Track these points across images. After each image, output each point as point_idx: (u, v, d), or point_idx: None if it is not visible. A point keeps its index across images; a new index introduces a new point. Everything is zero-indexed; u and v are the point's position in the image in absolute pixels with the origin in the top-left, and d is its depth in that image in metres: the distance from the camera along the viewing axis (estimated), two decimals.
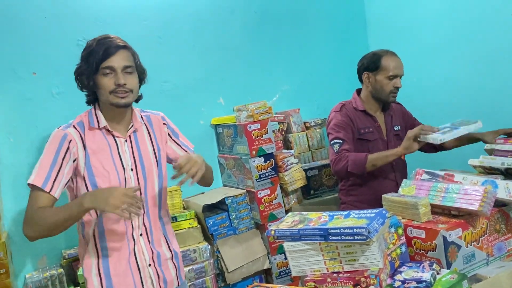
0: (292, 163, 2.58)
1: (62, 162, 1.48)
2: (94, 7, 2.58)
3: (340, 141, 2.14)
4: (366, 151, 2.15)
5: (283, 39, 3.23)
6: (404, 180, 1.69)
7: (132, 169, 1.59)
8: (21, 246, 2.35)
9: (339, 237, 1.20)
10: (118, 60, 1.49)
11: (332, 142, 2.17)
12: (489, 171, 1.67)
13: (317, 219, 1.35)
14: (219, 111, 2.93)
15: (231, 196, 2.52)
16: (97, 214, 1.54)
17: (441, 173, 1.68)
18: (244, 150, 2.50)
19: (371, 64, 2.20)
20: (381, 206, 1.57)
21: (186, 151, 1.77)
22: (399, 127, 2.30)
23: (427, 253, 1.38)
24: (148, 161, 1.63)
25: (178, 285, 1.69)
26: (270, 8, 3.18)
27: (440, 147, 2.27)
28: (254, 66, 3.11)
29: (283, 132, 2.90)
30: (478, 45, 2.68)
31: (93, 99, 1.59)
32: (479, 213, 1.39)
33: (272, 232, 1.37)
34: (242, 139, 2.51)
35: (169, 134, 1.75)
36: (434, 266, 1.27)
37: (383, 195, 1.63)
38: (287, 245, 1.33)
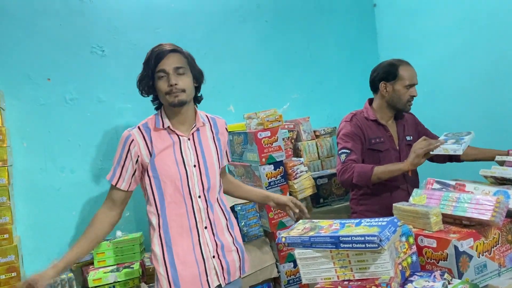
0: (301, 171, 2.58)
1: (125, 160, 1.69)
2: (109, 16, 2.62)
3: (347, 151, 2.14)
4: (377, 161, 2.15)
5: (293, 48, 3.26)
6: (414, 190, 1.69)
7: (194, 165, 1.73)
8: (32, 250, 2.38)
9: (351, 245, 1.20)
10: (169, 63, 1.64)
11: (339, 152, 2.18)
12: (501, 181, 1.67)
13: (328, 226, 1.35)
14: (229, 119, 2.92)
15: (240, 204, 2.52)
16: (158, 205, 1.69)
17: (452, 182, 1.68)
18: (254, 157, 2.51)
19: (388, 74, 2.21)
20: (392, 215, 1.57)
21: (228, 158, 1.98)
22: (412, 137, 2.29)
23: (438, 263, 1.38)
24: (210, 159, 1.77)
25: (240, 276, 1.82)
26: (281, 17, 3.21)
27: (455, 159, 2.26)
28: (264, 75, 3.14)
29: (292, 140, 2.91)
30: (489, 55, 2.68)
31: (159, 103, 1.76)
32: (491, 223, 1.39)
33: (283, 239, 1.37)
34: (252, 147, 2.52)
35: (225, 141, 1.91)
36: (446, 275, 1.27)
37: (394, 204, 1.63)
38: (297, 252, 1.33)
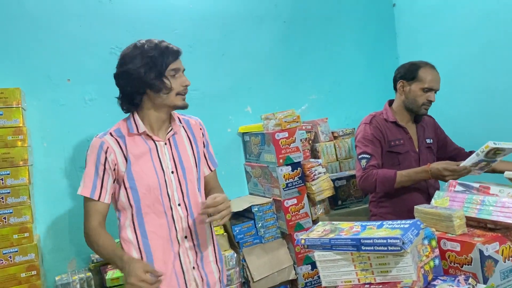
0: (320, 173, 2.56)
1: (104, 170, 1.55)
2: (127, 17, 2.64)
3: (367, 156, 2.10)
4: (397, 164, 2.12)
5: (312, 48, 3.23)
6: (437, 192, 1.65)
7: (172, 172, 1.62)
8: (52, 249, 2.40)
9: (372, 248, 1.18)
10: (181, 63, 1.59)
11: (359, 157, 2.14)
12: None
13: (348, 229, 1.33)
14: (246, 120, 2.95)
15: (257, 205, 2.51)
16: (133, 220, 1.59)
17: (476, 185, 1.63)
18: (272, 158, 2.49)
19: (408, 73, 2.18)
20: (413, 218, 1.53)
21: (210, 167, 1.79)
22: (432, 140, 2.26)
23: (462, 267, 1.34)
24: (188, 163, 1.66)
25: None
26: (299, 18, 3.19)
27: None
28: (282, 75, 3.12)
29: (310, 141, 2.88)
30: None
31: (131, 106, 1.62)
32: None
33: (303, 241, 1.35)
34: (269, 148, 2.50)
35: (203, 142, 1.78)
36: (470, 280, 1.23)
37: (415, 207, 1.59)
38: (317, 254, 1.31)
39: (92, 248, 1.60)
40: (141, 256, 1.58)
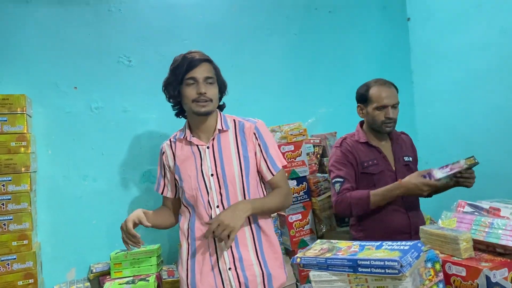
0: (326, 188, 2.49)
1: (164, 171, 1.86)
2: (137, 26, 2.64)
3: (341, 179, 2.07)
4: (372, 185, 2.08)
5: (322, 61, 3.19)
6: (444, 212, 1.58)
7: (212, 174, 1.73)
8: (51, 257, 2.38)
9: (369, 269, 1.12)
10: (200, 72, 1.68)
11: (333, 181, 2.12)
12: None
13: (346, 248, 1.26)
14: None
15: None
16: (189, 213, 1.78)
17: (486, 206, 1.56)
18: None
19: (361, 96, 2.18)
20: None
21: (271, 171, 1.79)
22: (410, 158, 2.20)
23: None
24: (229, 166, 1.72)
25: None
26: (310, 30, 3.15)
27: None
28: (291, 88, 3.08)
29: (318, 156, 2.82)
30: None
31: (179, 111, 1.83)
32: None
33: (298, 260, 1.29)
34: None
35: (259, 145, 1.79)
36: None
37: (421, 227, 1.52)
38: (313, 274, 1.25)
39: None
40: (188, 247, 1.75)
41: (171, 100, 1.80)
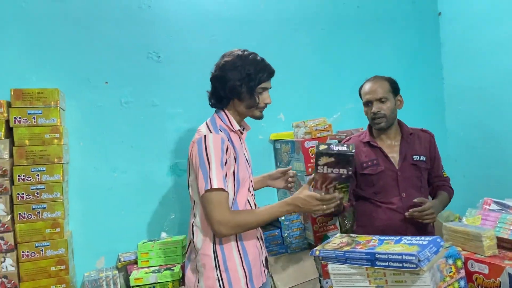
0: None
1: (226, 163, 1.63)
2: (166, 22, 2.69)
3: None
4: (371, 185, 2.08)
5: (350, 56, 3.17)
6: (468, 209, 1.56)
7: (249, 165, 1.85)
8: (83, 245, 2.47)
9: (387, 263, 1.12)
10: (270, 83, 1.79)
11: None
12: None
13: (365, 242, 1.27)
14: (279, 127, 2.92)
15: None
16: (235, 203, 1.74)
17: None
18: (301, 167, 2.45)
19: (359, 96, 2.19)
20: None
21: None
22: (422, 157, 2.10)
23: None
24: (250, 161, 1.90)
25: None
26: (338, 25, 3.14)
27: None
28: (317, 83, 3.07)
29: None
30: None
31: (218, 104, 1.77)
32: None
33: (317, 252, 1.31)
34: (298, 156, 2.46)
35: None
36: None
37: (444, 223, 1.51)
38: (331, 267, 1.26)
39: (237, 230, 1.62)
40: (237, 242, 1.68)
41: (231, 98, 1.74)
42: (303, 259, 2.47)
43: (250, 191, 1.78)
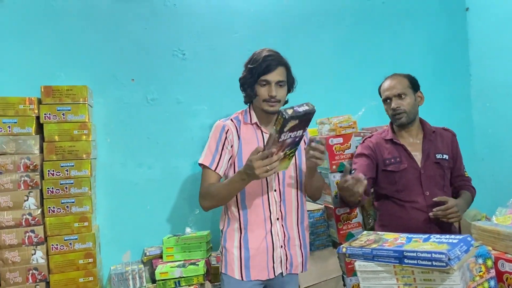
0: None
1: (222, 147, 1.81)
2: (190, 20, 2.72)
3: (353, 171, 2.08)
4: (393, 182, 2.07)
5: (375, 53, 3.14)
6: (498, 208, 1.52)
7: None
8: (109, 239, 2.53)
9: (415, 261, 1.11)
10: (274, 76, 1.79)
11: None
12: None
13: (393, 240, 1.26)
14: None
15: (308, 210, 2.45)
16: (236, 197, 1.82)
17: None
18: (324, 164, 2.44)
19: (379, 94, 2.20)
20: None
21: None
22: (445, 155, 2.08)
23: None
24: None
25: (302, 271, 1.93)
26: (363, 22, 3.11)
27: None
28: (342, 80, 3.06)
29: None
30: None
31: (248, 100, 1.90)
32: None
33: (344, 250, 1.31)
34: None
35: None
36: None
37: (472, 223, 1.48)
38: (358, 264, 1.26)
39: (209, 201, 1.79)
40: (240, 228, 1.82)
41: (245, 94, 1.89)
42: (326, 257, 2.46)
43: (268, 185, 1.81)
